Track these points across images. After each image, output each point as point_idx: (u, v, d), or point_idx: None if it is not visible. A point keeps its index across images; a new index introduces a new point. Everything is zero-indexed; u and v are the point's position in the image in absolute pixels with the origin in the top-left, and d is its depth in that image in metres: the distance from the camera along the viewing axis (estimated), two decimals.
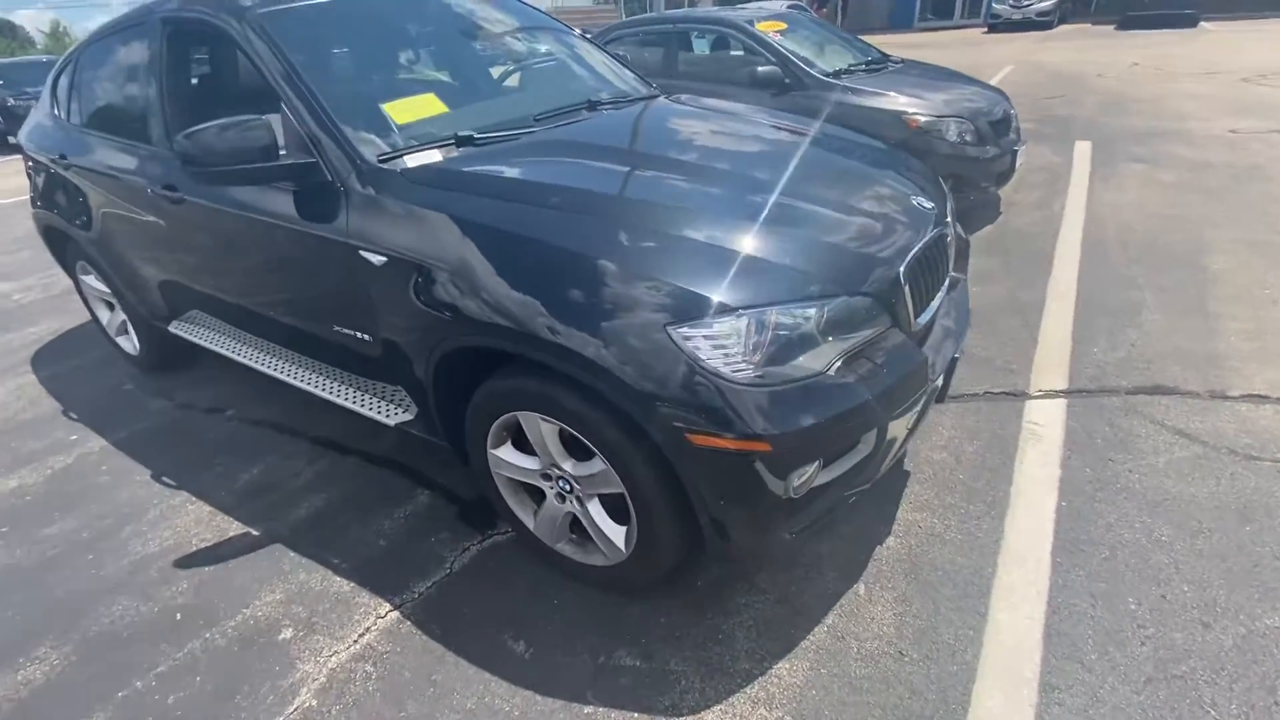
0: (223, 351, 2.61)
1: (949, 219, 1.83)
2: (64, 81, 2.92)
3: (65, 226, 2.98)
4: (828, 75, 4.44)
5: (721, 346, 1.34)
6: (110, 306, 3.29)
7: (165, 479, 2.53)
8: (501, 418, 1.74)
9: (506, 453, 1.83)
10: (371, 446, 2.60)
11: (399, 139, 1.87)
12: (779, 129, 2.25)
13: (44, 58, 13.39)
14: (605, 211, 1.58)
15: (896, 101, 4.13)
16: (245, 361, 2.51)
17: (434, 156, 1.84)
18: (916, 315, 1.63)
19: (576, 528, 1.86)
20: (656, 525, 1.58)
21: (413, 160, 1.81)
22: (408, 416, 2.05)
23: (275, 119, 1.87)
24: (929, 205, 1.81)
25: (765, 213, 1.61)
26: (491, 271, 1.53)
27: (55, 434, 2.89)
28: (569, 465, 1.70)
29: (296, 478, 2.47)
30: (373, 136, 1.84)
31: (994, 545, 1.91)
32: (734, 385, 1.33)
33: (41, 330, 3.98)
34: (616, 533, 1.72)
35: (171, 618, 1.93)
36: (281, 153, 1.84)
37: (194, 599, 1.98)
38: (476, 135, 1.91)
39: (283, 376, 2.37)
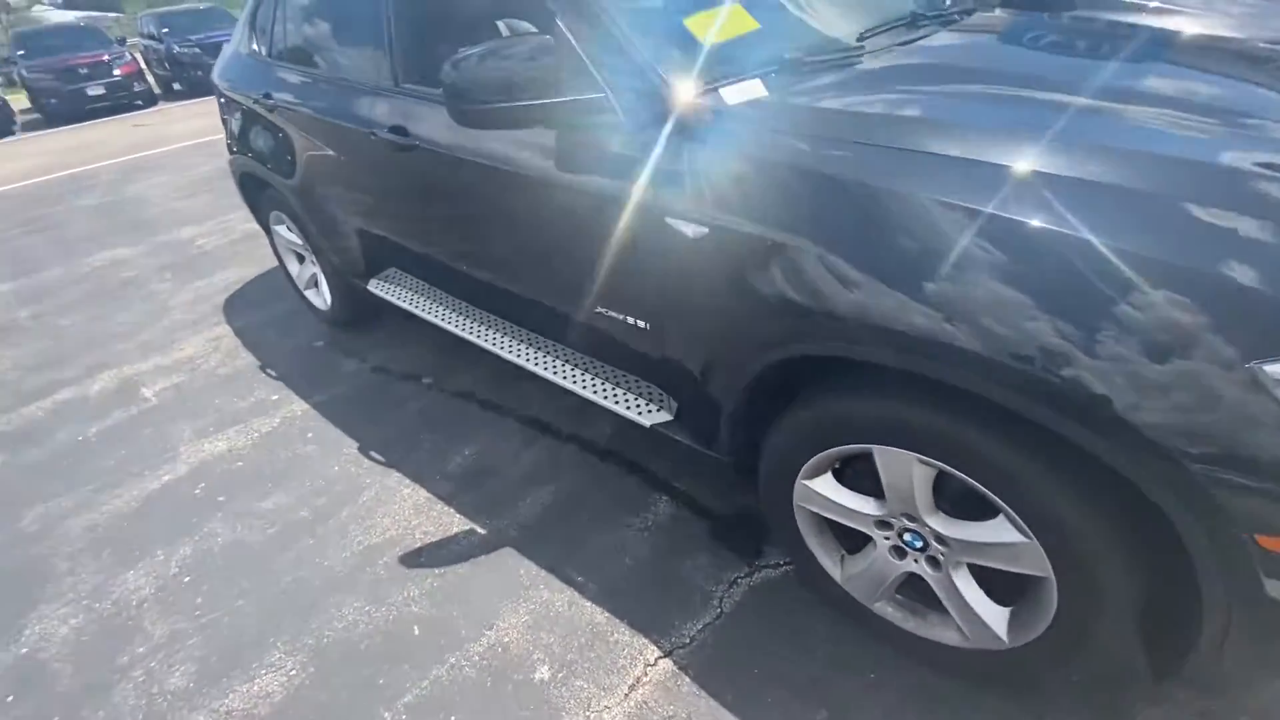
0: (427, 317, 2.35)
1: None
2: (265, 11, 2.68)
3: (264, 173, 2.80)
4: None
5: None
6: (300, 259, 3.15)
7: (374, 454, 2.33)
8: (840, 447, 1.31)
9: (825, 486, 1.40)
10: (588, 432, 2.27)
11: (709, 66, 1.41)
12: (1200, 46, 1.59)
13: (201, 5, 13.92)
14: (1068, 166, 1.04)
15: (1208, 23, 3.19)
16: (455, 331, 2.23)
17: (757, 89, 1.37)
18: None
19: (906, 587, 1.43)
20: (1098, 631, 1.10)
21: (732, 94, 1.35)
22: (665, 417, 1.68)
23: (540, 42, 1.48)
24: None
25: None
26: (890, 254, 1.06)
27: (256, 393, 2.79)
28: (936, 521, 1.25)
29: (514, 464, 2.19)
30: (678, 62, 1.40)
31: None
32: None
33: (229, 278, 3.98)
34: (995, 616, 1.26)
35: (408, 630, 1.70)
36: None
37: (430, 609, 1.74)
38: (806, 59, 1.42)
39: (503, 353, 2.06)
